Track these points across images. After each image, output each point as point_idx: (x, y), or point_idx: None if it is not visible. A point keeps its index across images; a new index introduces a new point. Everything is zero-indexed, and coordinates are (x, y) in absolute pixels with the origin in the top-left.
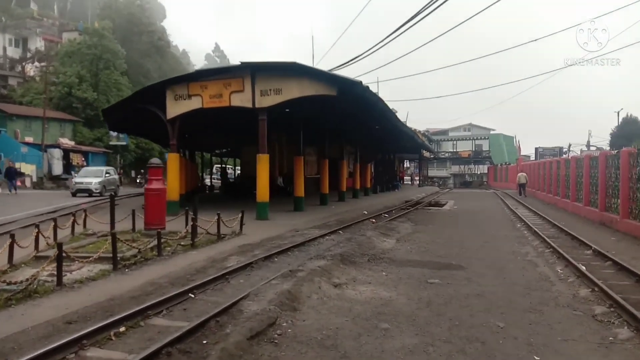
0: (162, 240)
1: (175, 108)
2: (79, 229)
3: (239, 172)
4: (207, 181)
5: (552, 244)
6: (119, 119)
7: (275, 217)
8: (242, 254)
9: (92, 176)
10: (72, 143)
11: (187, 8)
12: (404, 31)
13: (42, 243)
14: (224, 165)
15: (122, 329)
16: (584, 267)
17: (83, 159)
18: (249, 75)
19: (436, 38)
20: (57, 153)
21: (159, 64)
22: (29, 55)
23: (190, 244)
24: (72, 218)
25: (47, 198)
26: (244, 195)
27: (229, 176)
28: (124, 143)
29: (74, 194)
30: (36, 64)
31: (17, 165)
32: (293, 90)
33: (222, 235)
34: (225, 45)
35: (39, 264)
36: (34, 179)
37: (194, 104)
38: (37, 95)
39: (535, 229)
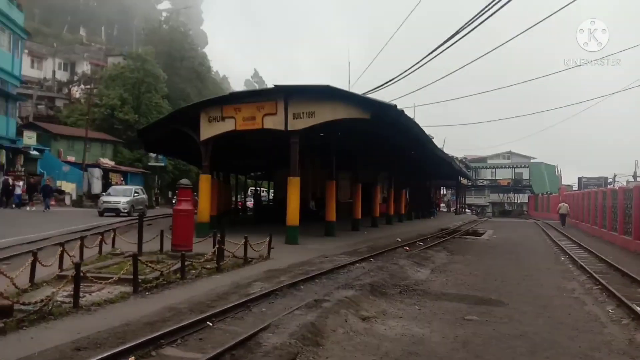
0: (187, 262)
1: (208, 130)
2: (107, 248)
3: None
4: (247, 204)
5: (601, 280)
6: (154, 140)
7: (305, 241)
8: (267, 280)
9: (120, 195)
10: (112, 163)
11: (228, 35)
12: (441, 52)
13: (68, 262)
14: (257, 188)
15: (132, 359)
16: (639, 308)
17: (122, 178)
18: (282, 98)
19: (473, 61)
20: (97, 172)
21: (199, 89)
22: (75, 78)
23: (216, 268)
24: (100, 237)
25: (79, 216)
26: (276, 218)
27: (262, 199)
28: (162, 164)
29: (101, 213)
30: (82, 86)
31: (58, 183)
32: (326, 114)
33: (249, 259)
34: (263, 71)
35: (61, 283)
36: (74, 197)
37: (227, 126)
38: (81, 116)
39: (581, 263)
